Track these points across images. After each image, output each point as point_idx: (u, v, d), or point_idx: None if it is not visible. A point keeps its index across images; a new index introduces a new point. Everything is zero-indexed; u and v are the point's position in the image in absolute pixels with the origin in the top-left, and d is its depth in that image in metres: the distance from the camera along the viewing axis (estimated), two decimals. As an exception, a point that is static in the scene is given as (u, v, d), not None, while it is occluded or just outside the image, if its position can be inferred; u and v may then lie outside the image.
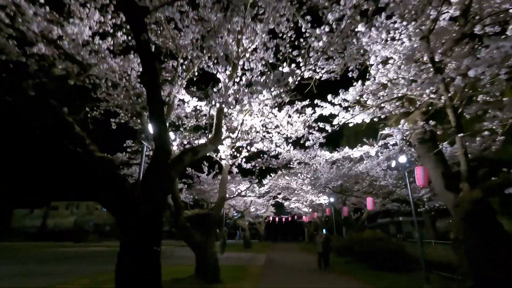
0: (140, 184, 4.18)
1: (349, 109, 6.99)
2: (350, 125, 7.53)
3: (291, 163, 18.99)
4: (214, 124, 5.88)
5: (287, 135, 9.89)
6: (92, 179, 3.81)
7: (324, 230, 13.39)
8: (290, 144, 11.40)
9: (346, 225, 17.60)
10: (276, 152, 11.89)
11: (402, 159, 8.95)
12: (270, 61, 6.45)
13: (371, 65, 5.89)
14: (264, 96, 6.29)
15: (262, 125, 9.59)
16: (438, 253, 12.05)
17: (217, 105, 6.00)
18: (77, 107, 7.89)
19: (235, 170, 10.12)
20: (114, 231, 51.10)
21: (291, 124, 9.48)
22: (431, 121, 5.78)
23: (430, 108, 6.31)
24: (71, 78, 5.43)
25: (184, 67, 7.90)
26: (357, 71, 6.73)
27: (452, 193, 5.82)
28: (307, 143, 7.74)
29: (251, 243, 24.38)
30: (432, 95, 5.18)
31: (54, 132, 3.56)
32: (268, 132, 10.79)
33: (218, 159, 9.22)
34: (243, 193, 14.16)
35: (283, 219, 40.63)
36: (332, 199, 18.20)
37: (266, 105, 6.30)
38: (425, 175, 6.04)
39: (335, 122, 7.26)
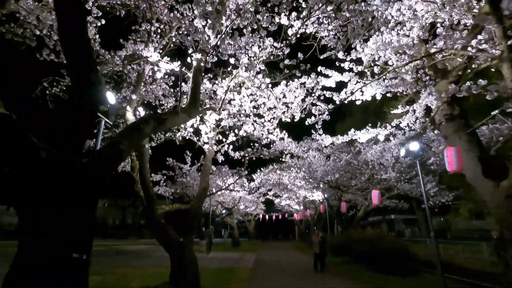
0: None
1: (359, 79, 5.74)
2: (358, 102, 6.26)
3: (283, 157, 17.77)
4: (190, 89, 4.46)
5: (281, 119, 8.60)
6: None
7: (315, 228, 12.11)
8: (285, 132, 10.08)
9: (341, 222, 16.45)
10: (268, 140, 10.55)
11: (414, 146, 7.74)
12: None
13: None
14: (255, 50, 4.93)
15: (253, 107, 8.26)
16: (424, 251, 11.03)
17: (194, 62, 4.59)
18: (33, 82, 6.41)
19: (220, 158, 8.66)
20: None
21: (287, 107, 8.21)
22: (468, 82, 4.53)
23: (461, 74, 5.08)
24: None
25: (160, 31, 6.50)
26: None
27: (491, 180, 4.60)
28: (310, 121, 6.43)
29: (239, 242, 23.03)
30: (479, 47, 3.92)
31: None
32: (259, 117, 9.48)
33: (200, 144, 7.77)
34: (230, 187, 12.75)
35: (274, 217, 39.46)
36: (326, 195, 17.01)
37: (257, 64, 4.92)
38: (459, 158, 4.80)
39: (342, 95, 5.98)
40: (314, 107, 6.39)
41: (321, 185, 16.59)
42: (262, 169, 19.99)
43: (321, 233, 11.18)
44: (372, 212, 33.57)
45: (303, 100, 7.81)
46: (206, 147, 7.56)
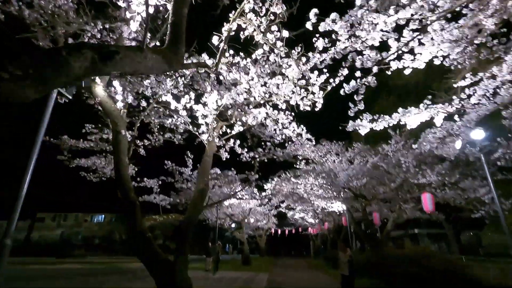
0: None
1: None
2: (407, 71, 4.54)
3: (298, 163, 15.90)
4: (168, 25, 2.85)
5: (298, 107, 6.98)
6: None
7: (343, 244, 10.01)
8: (303, 127, 8.37)
9: (368, 237, 14.25)
10: (283, 136, 8.84)
11: (478, 134, 5.86)
12: None
13: None
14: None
15: (264, 93, 6.72)
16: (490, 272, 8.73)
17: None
18: None
19: (225, 155, 6.98)
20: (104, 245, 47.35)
21: (307, 90, 6.64)
22: None
23: None
24: None
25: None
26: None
27: None
28: (347, 88, 4.74)
29: (250, 259, 20.89)
30: None
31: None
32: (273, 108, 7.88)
33: (198, 134, 6.12)
34: (238, 195, 10.98)
35: (286, 232, 37.02)
36: (348, 205, 14.94)
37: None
38: None
39: (387, 55, 4.27)
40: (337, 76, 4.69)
41: (342, 194, 14.59)
42: (274, 179, 18.16)
43: (349, 250, 9.15)
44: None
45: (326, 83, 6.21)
46: (204, 137, 5.89)
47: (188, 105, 5.11)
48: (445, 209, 16.42)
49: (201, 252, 16.97)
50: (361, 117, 5.12)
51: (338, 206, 16.71)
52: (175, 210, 10.49)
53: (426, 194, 7.98)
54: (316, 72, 6.40)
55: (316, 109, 7.11)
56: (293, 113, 8.34)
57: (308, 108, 7.11)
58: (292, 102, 7.14)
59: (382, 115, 5.30)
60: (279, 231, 36.72)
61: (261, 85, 6.68)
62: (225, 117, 7.07)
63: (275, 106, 8.01)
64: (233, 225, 22.91)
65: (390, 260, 9.09)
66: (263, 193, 18.88)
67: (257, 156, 9.51)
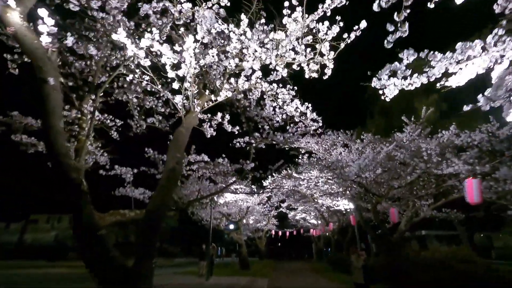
0: None
1: None
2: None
3: (300, 157, 14.40)
4: None
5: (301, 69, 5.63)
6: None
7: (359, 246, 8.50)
8: (308, 105, 6.92)
9: (379, 239, 12.73)
10: (283, 116, 7.38)
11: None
12: None
13: None
14: None
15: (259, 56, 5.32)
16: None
17: None
18: None
19: (209, 131, 5.50)
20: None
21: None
22: None
23: None
24: None
25: None
26: None
27: None
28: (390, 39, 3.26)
29: (249, 263, 19.34)
30: None
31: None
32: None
33: (170, 98, 4.63)
34: (232, 188, 9.46)
35: (287, 233, 35.40)
36: (356, 203, 13.42)
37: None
38: None
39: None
40: None
41: (349, 191, 13.09)
42: (274, 174, 16.62)
43: (364, 253, 7.65)
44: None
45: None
46: (177, 100, 4.38)
47: (155, 47, 3.62)
48: (460, 207, 14.92)
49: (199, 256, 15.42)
50: (401, 54, 3.62)
51: (344, 205, 15.18)
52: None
53: (472, 180, 6.47)
54: (326, 23, 4.99)
55: (325, 76, 5.69)
56: (295, 88, 6.95)
57: (315, 75, 5.68)
58: (296, 66, 5.72)
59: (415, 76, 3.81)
60: (280, 233, 35.13)
61: (257, 44, 5.25)
62: (210, 89, 5.63)
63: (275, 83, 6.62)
64: (231, 226, 21.33)
65: (413, 265, 7.57)
66: (262, 193, 17.41)
67: (253, 141, 8.04)
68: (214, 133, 5.71)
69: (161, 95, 6.76)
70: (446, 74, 4.21)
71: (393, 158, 10.35)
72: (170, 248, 48.50)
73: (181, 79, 4.60)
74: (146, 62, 3.76)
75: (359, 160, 9.34)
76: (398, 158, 9.76)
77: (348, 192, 13.24)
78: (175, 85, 3.90)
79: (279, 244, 48.07)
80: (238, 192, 10.17)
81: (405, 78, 4.15)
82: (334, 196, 13.65)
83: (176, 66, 3.77)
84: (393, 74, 4.00)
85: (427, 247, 31.93)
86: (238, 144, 7.95)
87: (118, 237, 50.87)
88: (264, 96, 7.14)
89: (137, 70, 5.07)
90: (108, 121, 6.86)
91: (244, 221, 22.28)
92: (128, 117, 7.78)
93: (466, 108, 4.11)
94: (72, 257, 40.94)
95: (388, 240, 12.09)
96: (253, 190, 9.88)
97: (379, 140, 11.28)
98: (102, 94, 6.78)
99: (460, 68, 3.64)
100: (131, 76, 5.39)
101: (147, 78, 4.82)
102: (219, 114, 5.51)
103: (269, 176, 10.86)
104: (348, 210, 15.36)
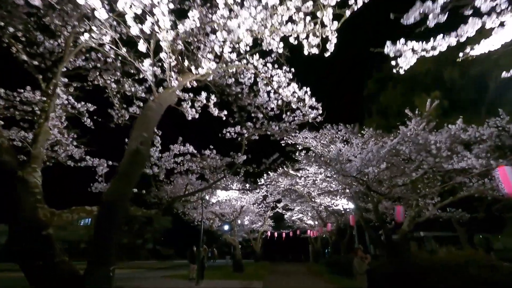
0: None
1: None
2: None
3: (297, 153, 13.61)
4: None
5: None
6: None
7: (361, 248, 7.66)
8: (307, 89, 6.13)
9: (380, 240, 11.97)
10: (278, 102, 6.55)
11: None
12: None
13: None
14: None
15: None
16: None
17: None
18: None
19: (190, 112, 4.66)
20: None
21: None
22: None
23: None
24: None
25: None
26: None
27: None
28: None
29: (243, 265, 18.47)
30: None
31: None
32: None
33: (140, 66, 3.75)
34: (222, 184, 8.55)
35: (284, 235, 34.57)
36: (355, 202, 12.64)
37: None
38: None
39: None
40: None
41: (348, 189, 12.32)
42: (270, 173, 15.79)
43: (368, 256, 6.86)
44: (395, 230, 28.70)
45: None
46: (147, 67, 3.54)
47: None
48: (462, 207, 14.23)
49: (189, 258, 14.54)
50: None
51: (343, 204, 14.40)
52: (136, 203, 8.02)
53: (505, 168, 5.71)
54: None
55: (327, 54, 4.89)
56: (292, 70, 6.15)
57: (315, 51, 4.87)
58: (293, 40, 4.91)
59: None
60: (276, 234, 34.30)
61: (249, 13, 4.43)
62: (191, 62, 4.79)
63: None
64: (226, 227, 20.44)
65: (423, 269, 6.77)
66: (257, 192, 16.60)
67: (245, 132, 7.22)
68: (197, 116, 4.89)
69: (142, 77, 5.94)
70: (472, 41, 3.44)
71: (397, 153, 9.60)
72: (163, 250, 47.36)
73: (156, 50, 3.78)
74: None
75: (363, 153, 8.55)
76: (403, 152, 9.00)
77: (347, 190, 12.47)
78: (141, 46, 3.06)
79: (275, 245, 47.26)
80: (229, 188, 9.29)
81: (426, 41, 3.36)
82: (333, 194, 12.86)
83: (139, 19, 2.94)
84: (423, 19, 3.08)
85: (425, 248, 31.35)
86: (228, 134, 7.13)
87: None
88: (258, 80, 6.35)
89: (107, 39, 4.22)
90: (79, 105, 5.99)
91: (239, 221, 21.41)
92: (109, 106, 6.93)
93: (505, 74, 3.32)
94: (61, 259, 39.79)
95: (390, 241, 11.34)
96: (246, 186, 9.00)
97: (381, 135, 10.55)
98: (70, 73, 5.95)
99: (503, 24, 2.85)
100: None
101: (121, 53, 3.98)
102: (204, 94, 4.66)
103: (264, 173, 9.98)
104: (348, 210, 14.58)
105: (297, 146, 13.32)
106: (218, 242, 43.87)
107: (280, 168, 15.44)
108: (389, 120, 18.93)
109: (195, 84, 5.36)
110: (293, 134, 11.70)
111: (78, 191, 8.56)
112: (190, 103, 4.68)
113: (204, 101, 4.83)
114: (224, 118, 5.43)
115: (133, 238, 48.40)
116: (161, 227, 50.20)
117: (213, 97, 4.83)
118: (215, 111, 5.13)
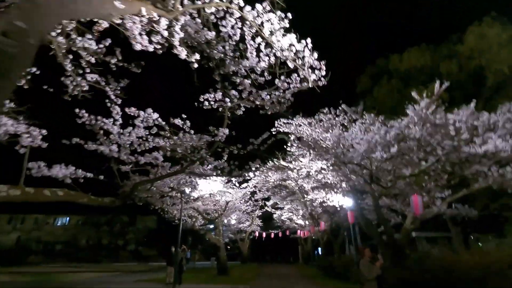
0: None
1: None
2: None
3: (289, 144, 12.22)
4: None
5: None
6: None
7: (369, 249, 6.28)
8: (306, 42, 4.65)
9: (383, 240, 10.68)
10: (270, 60, 5.08)
11: None
12: None
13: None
14: None
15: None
16: None
17: None
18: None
19: (140, 42, 3.13)
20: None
21: None
22: None
23: None
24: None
25: None
26: None
27: None
28: None
29: (228, 268, 16.90)
30: None
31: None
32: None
33: None
34: (199, 169, 6.94)
35: (272, 235, 33.13)
36: (355, 197, 11.32)
37: None
38: None
39: None
40: None
41: (344, 184, 11.02)
42: (258, 166, 14.29)
43: (380, 258, 5.48)
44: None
45: None
46: None
47: None
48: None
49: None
50: None
51: (339, 200, 13.06)
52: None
53: None
54: None
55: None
56: (289, 14, 4.73)
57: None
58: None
59: None
60: (264, 234, 32.84)
61: None
62: None
63: None
64: (211, 226, 18.78)
65: (442, 275, 5.44)
66: (245, 185, 15.11)
67: (228, 101, 5.73)
68: (151, 49, 3.39)
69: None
70: None
71: (404, 138, 8.32)
72: (145, 251, 45.01)
73: None
74: None
75: (368, 135, 7.20)
76: (413, 137, 7.71)
77: (344, 185, 11.15)
78: None
79: (264, 246, 45.74)
80: (209, 174, 7.66)
81: None
82: (329, 187, 11.50)
83: None
84: None
85: (417, 249, 30.50)
86: (207, 103, 5.62)
87: (89, 239, 47.04)
88: (244, 30, 4.86)
89: None
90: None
91: (225, 220, 19.82)
92: (62, 74, 5.28)
93: None
94: (32, 261, 37.02)
95: (393, 241, 10.07)
96: (229, 173, 7.43)
97: (388, 118, 9.28)
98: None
99: None
100: None
101: None
102: (164, 21, 3.13)
103: (252, 162, 8.46)
104: (344, 206, 13.27)
105: (289, 136, 11.95)
106: (204, 243, 41.92)
107: (270, 162, 14.01)
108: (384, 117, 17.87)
109: (161, 29, 3.83)
110: (288, 117, 10.30)
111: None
112: (139, 28, 3.18)
113: (165, 34, 3.32)
114: (196, 66, 3.92)
115: (114, 238, 45.94)
116: (146, 228, 47.86)
117: (177, 28, 3.33)
118: (183, 53, 3.62)
